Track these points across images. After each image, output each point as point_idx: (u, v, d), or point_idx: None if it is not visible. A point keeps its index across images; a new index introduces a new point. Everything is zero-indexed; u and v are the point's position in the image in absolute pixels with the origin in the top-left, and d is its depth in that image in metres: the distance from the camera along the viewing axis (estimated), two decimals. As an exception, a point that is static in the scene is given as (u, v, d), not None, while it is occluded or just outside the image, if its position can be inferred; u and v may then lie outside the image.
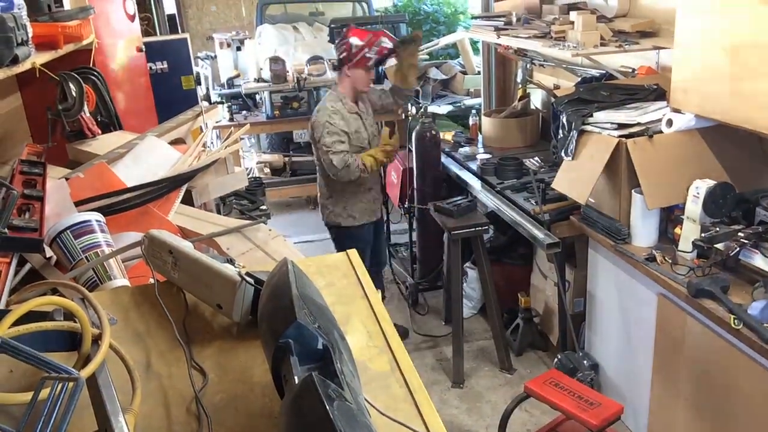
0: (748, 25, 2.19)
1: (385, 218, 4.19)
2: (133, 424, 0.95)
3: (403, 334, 4.02)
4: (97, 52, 3.00)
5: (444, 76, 6.05)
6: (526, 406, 3.19)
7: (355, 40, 3.58)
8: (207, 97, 6.25)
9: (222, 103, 5.96)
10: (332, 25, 5.87)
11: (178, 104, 3.76)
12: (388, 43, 3.68)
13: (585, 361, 3.12)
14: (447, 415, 3.36)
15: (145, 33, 5.67)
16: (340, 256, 1.47)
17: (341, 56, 3.65)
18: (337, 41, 3.92)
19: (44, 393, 0.85)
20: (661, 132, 2.67)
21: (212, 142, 3.91)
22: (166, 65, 4.81)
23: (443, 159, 4.31)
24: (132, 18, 3.88)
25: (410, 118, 5.13)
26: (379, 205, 3.95)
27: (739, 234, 2.31)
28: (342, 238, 3.80)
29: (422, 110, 4.45)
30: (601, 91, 3.01)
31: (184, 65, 4.95)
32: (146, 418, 1.01)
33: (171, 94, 4.59)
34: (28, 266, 1.72)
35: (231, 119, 5.84)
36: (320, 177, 3.82)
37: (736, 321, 2.10)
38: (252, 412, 1.02)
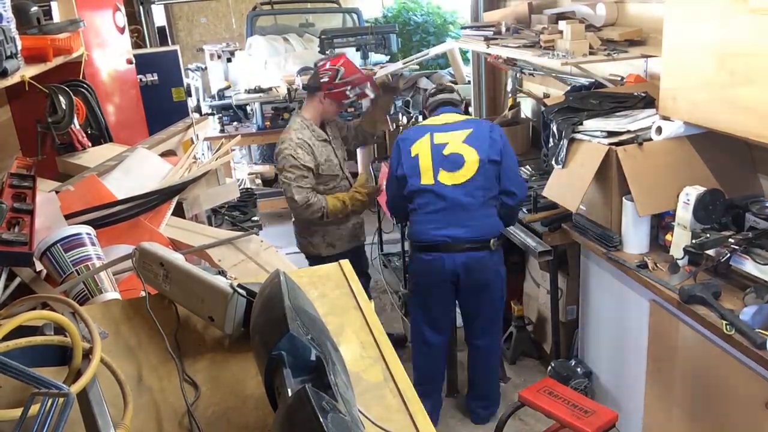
0: (735, 32, 2.21)
1: (365, 240, 3.84)
2: (125, 439, 0.94)
3: (402, 340, 4.00)
4: (86, 65, 3.00)
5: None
6: (521, 415, 3.18)
7: (343, 71, 3.39)
8: (198, 109, 6.25)
9: (213, 114, 5.96)
10: (323, 36, 5.90)
11: (169, 116, 3.76)
12: (371, 93, 3.58)
13: (578, 369, 3.12)
14: (441, 425, 3.35)
15: (135, 45, 5.68)
16: (332, 267, 1.47)
17: (322, 80, 3.40)
18: (320, 62, 3.69)
19: (34, 409, 0.84)
20: (650, 139, 2.68)
21: (203, 154, 3.91)
22: (156, 77, 4.81)
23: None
24: (122, 30, 3.88)
25: (401, 127, 5.14)
26: (361, 228, 3.73)
27: (730, 240, 2.32)
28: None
29: (413, 120, 4.46)
30: (591, 99, 3.03)
31: (175, 77, 4.96)
32: (138, 432, 1.00)
33: (161, 106, 4.59)
34: (17, 280, 1.71)
35: (222, 130, 5.85)
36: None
37: (728, 327, 2.10)
38: (245, 425, 1.01)
